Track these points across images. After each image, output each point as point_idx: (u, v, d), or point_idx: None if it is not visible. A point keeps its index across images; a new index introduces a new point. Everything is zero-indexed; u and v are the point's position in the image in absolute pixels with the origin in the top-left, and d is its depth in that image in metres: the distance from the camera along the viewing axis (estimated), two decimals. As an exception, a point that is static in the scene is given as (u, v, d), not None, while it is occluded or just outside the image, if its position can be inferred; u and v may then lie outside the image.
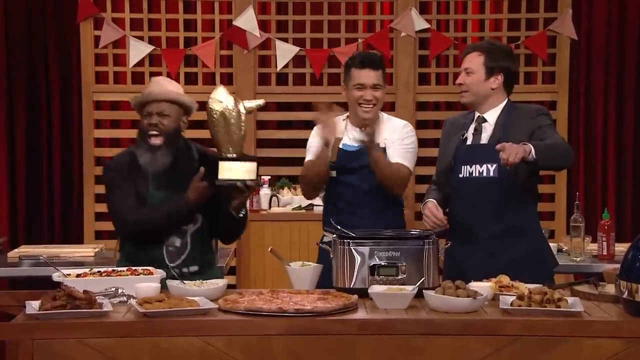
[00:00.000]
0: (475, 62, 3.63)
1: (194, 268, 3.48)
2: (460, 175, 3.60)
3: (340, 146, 3.86)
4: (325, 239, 3.63)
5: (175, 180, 3.47)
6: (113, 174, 3.52)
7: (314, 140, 3.88)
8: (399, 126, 3.91)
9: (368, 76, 3.81)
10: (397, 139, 3.84)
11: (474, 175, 3.57)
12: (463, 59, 3.70)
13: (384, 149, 3.82)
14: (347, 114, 3.98)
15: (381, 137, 3.82)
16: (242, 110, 3.36)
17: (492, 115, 3.63)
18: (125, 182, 3.47)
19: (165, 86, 3.55)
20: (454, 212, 3.59)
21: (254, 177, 3.36)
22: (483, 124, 3.63)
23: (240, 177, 3.32)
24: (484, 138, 3.61)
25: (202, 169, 3.40)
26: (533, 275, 3.24)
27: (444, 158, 3.68)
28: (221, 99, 3.34)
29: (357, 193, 3.80)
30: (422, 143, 5.47)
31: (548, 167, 3.55)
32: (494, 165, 3.50)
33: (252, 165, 3.36)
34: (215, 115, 3.32)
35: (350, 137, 3.88)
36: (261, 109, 5.53)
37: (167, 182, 3.48)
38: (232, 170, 3.32)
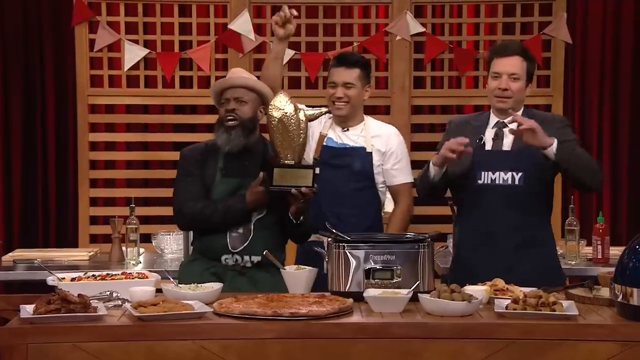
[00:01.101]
0: (520, 67, 3.53)
1: (257, 258, 3.48)
2: (480, 182, 3.50)
3: (325, 143, 3.90)
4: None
5: (244, 169, 3.50)
6: (183, 162, 3.60)
7: None
8: (385, 135, 3.97)
9: (340, 74, 3.90)
10: (389, 153, 3.92)
11: (497, 182, 3.49)
12: (498, 60, 3.54)
13: (371, 154, 3.87)
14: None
15: (368, 141, 3.88)
16: (302, 118, 3.38)
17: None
18: (192, 170, 3.54)
19: (242, 74, 3.60)
20: (472, 219, 3.50)
21: (309, 184, 3.38)
22: (504, 129, 3.54)
23: (294, 183, 3.36)
24: (506, 144, 3.52)
25: (261, 174, 3.42)
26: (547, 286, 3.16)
27: (459, 162, 3.50)
28: (281, 105, 3.38)
29: (339, 192, 3.82)
30: (417, 147, 5.52)
31: (572, 173, 3.45)
32: (520, 174, 3.44)
33: (307, 172, 3.39)
34: (273, 122, 3.37)
35: (335, 134, 3.93)
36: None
37: (237, 170, 3.51)
38: (286, 177, 3.37)
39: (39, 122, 5.63)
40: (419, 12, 5.68)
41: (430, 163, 3.50)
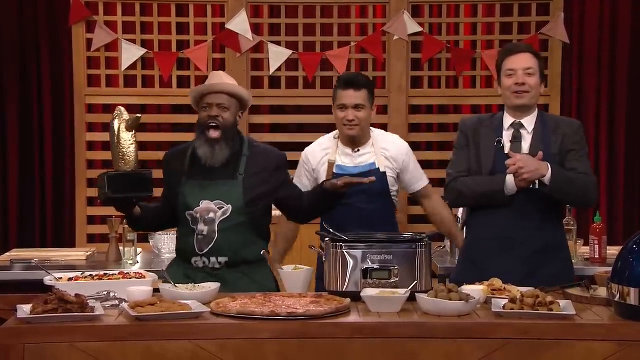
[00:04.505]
0: (534, 63, 3.49)
1: (224, 259, 3.48)
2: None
3: (335, 170, 3.92)
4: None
5: (208, 171, 3.52)
6: (163, 166, 3.76)
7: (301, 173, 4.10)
8: (396, 153, 4.05)
9: (349, 96, 3.94)
10: (404, 168, 4.07)
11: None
12: (511, 57, 3.51)
13: (385, 173, 3.91)
14: (337, 131, 4.06)
15: (380, 159, 3.91)
16: (123, 128, 3.48)
17: (529, 122, 3.51)
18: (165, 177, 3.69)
19: (224, 79, 3.59)
20: (491, 223, 3.46)
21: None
22: (521, 131, 3.51)
23: (131, 191, 3.50)
24: (525, 148, 3.47)
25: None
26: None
27: (486, 164, 3.48)
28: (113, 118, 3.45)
29: (359, 214, 3.85)
30: (415, 146, 5.48)
31: (559, 198, 3.44)
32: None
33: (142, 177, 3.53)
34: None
35: (344, 159, 3.95)
36: (254, 112, 5.60)
37: (201, 172, 3.53)
38: (124, 185, 3.54)
39: (36, 122, 5.63)
40: (416, 12, 5.68)
41: (510, 181, 3.41)
